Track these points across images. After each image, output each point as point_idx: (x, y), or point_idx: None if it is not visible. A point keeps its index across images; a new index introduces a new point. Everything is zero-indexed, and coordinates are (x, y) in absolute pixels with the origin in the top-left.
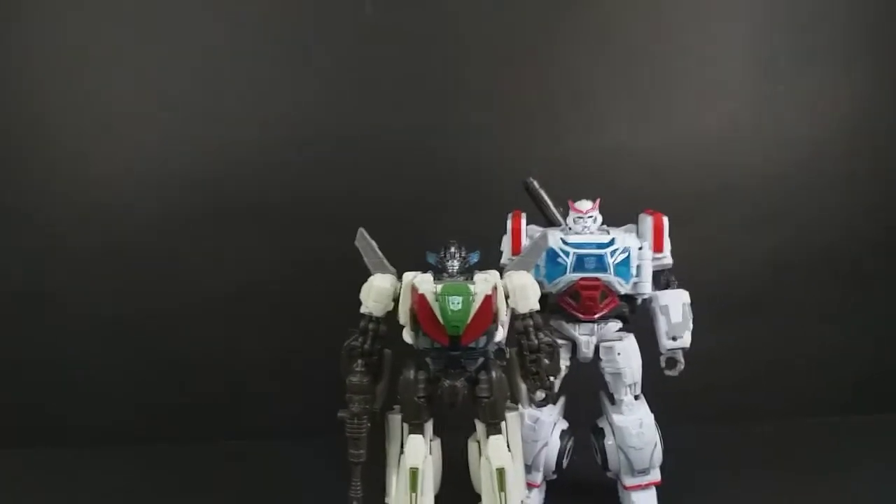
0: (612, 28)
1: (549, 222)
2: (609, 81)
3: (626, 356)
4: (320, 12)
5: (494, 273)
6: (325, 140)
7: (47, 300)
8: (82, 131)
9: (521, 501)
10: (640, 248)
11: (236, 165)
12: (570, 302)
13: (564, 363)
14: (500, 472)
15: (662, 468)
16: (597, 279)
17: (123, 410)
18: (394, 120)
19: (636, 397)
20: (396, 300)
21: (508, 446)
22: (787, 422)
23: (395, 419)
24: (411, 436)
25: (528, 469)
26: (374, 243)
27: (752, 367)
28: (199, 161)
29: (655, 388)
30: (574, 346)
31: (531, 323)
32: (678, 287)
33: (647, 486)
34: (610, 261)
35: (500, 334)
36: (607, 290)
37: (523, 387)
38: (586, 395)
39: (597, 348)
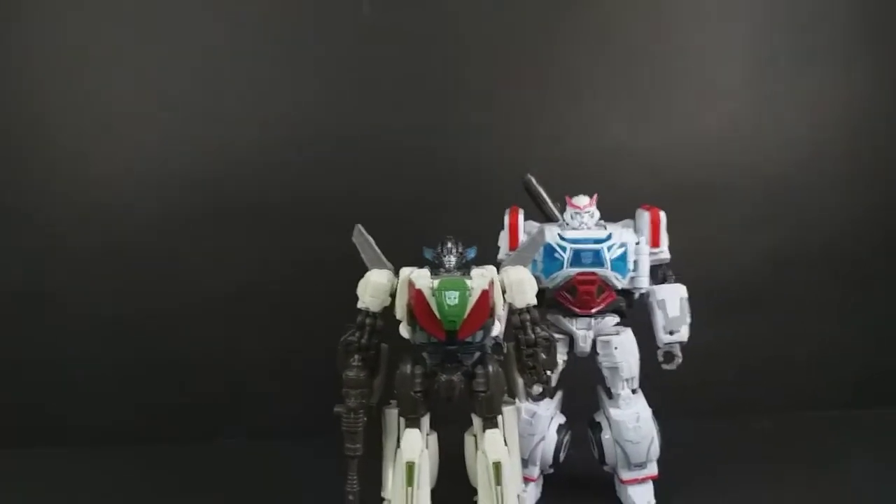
0: (612, 28)
1: (547, 218)
2: (609, 81)
3: (623, 350)
4: (320, 12)
5: (491, 268)
6: (325, 140)
7: (47, 300)
8: (82, 131)
9: (518, 495)
10: (638, 243)
11: (236, 165)
12: (566, 297)
13: (561, 357)
14: (497, 466)
15: (660, 462)
16: (593, 274)
17: (123, 410)
18: (394, 120)
19: (634, 391)
20: (393, 295)
21: (505, 440)
22: (784, 416)
23: (392, 413)
24: (408, 430)
25: (525, 463)
26: (371, 239)
27: (751, 363)
28: (199, 161)
29: (653, 382)
30: (571, 341)
31: (528, 317)
32: (676, 282)
33: (644, 481)
34: (607, 255)
35: (497, 329)
36: (604, 285)
37: (520, 381)
38: (583, 390)
39: (594, 343)
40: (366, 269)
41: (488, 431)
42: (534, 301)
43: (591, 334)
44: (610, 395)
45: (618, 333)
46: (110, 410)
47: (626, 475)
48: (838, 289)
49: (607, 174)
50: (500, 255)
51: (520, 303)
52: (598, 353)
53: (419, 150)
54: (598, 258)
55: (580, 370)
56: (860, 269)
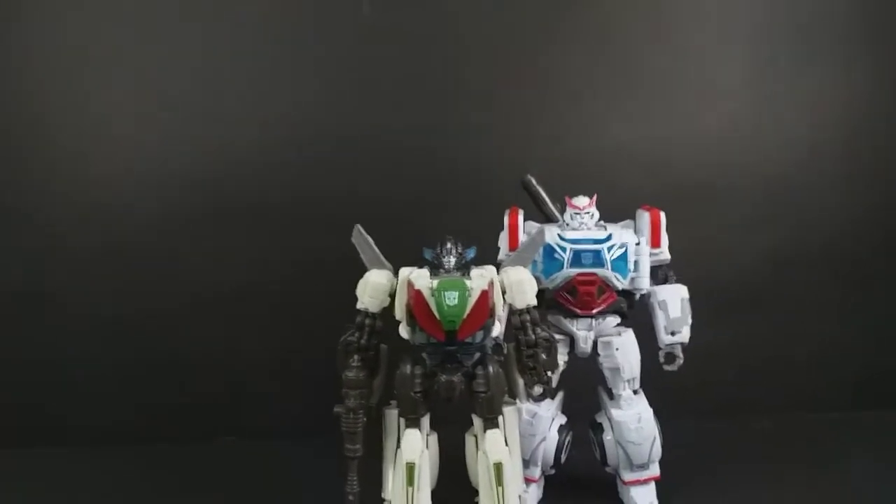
0: (612, 28)
1: (547, 218)
2: (609, 81)
3: (624, 351)
4: (320, 12)
5: (491, 268)
6: (325, 140)
7: (47, 300)
8: (82, 131)
9: (519, 496)
10: (638, 244)
11: (236, 165)
12: (567, 297)
13: (562, 358)
14: (498, 467)
15: (661, 463)
16: (594, 274)
17: (123, 410)
18: (394, 120)
19: (635, 392)
20: (392, 296)
21: (506, 441)
22: (785, 417)
23: (392, 414)
24: (408, 430)
25: (526, 464)
26: (370, 239)
27: (752, 363)
28: (199, 161)
29: (654, 383)
30: (572, 342)
31: (528, 318)
32: (676, 282)
33: (646, 482)
34: (607, 256)
35: (497, 329)
36: (605, 286)
37: (521, 382)
38: (585, 390)
39: (595, 343)
40: (365, 270)
41: (489, 432)
42: (534, 302)
43: (591, 335)
44: (611, 396)
45: (619, 334)
46: (110, 410)
47: (628, 476)
48: (838, 289)
49: (607, 174)
50: (500, 256)
51: (520, 303)
52: (598, 354)
53: (419, 150)
54: (598, 259)
55: (581, 370)
56: (860, 269)
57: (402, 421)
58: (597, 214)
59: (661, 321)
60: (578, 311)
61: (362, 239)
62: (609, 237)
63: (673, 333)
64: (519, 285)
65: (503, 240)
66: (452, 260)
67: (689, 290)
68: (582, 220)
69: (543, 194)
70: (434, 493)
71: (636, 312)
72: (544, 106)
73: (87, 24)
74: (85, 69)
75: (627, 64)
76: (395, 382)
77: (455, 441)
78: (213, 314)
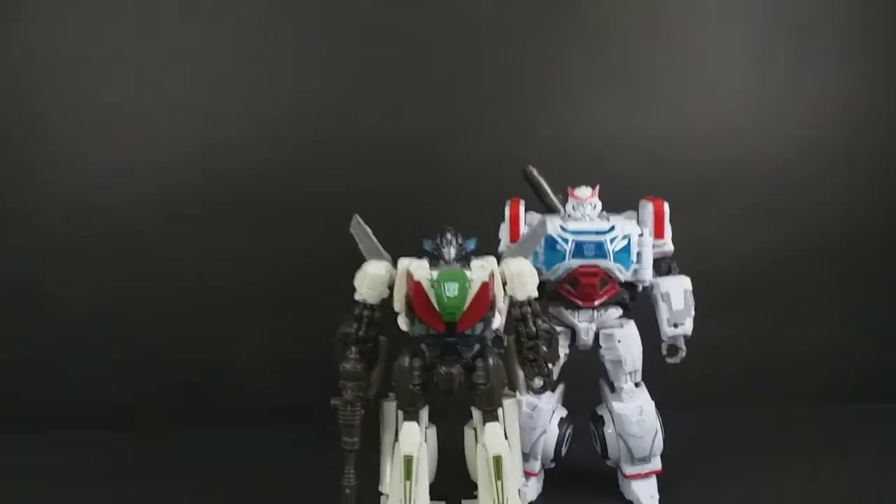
0: (613, 20)
1: (549, 209)
2: (609, 77)
3: (626, 343)
4: (320, 12)
5: (492, 259)
6: (324, 132)
7: (47, 299)
8: (82, 131)
9: (519, 490)
10: (641, 235)
11: (236, 165)
12: (568, 289)
13: (563, 350)
14: (497, 460)
15: (663, 457)
16: (596, 266)
17: (123, 406)
18: (393, 111)
19: (637, 385)
20: (391, 287)
21: (505, 434)
22: (787, 410)
23: (390, 406)
24: (406, 423)
25: (526, 457)
26: (368, 229)
27: (753, 356)
28: (199, 161)
29: (657, 375)
30: (573, 334)
31: (529, 310)
32: (679, 274)
33: (647, 475)
34: (609, 247)
35: (498, 321)
36: (607, 277)
37: (521, 374)
38: (586, 383)
39: (597, 335)
40: (364, 261)
41: (488, 425)
42: (535, 293)
43: (593, 327)
44: (612, 389)
45: (621, 326)
46: (109, 406)
47: (629, 470)
48: (838, 282)
49: (607, 166)
50: (501, 247)
51: (521, 295)
52: (600, 346)
53: (419, 141)
54: (600, 250)
55: (582, 363)
56: (860, 263)
57: (401, 413)
58: (599, 205)
59: (663, 313)
60: (580, 302)
61: (361, 229)
62: (612, 228)
63: (676, 325)
64: (520, 276)
65: (504, 231)
66: (452, 251)
67: (692, 282)
68: (584, 211)
69: (545, 185)
70: (432, 487)
71: (638, 304)
72: (545, 98)
73: (87, 24)
74: (85, 69)
75: (627, 63)
76: (394, 374)
77: (454, 434)
78: (214, 313)
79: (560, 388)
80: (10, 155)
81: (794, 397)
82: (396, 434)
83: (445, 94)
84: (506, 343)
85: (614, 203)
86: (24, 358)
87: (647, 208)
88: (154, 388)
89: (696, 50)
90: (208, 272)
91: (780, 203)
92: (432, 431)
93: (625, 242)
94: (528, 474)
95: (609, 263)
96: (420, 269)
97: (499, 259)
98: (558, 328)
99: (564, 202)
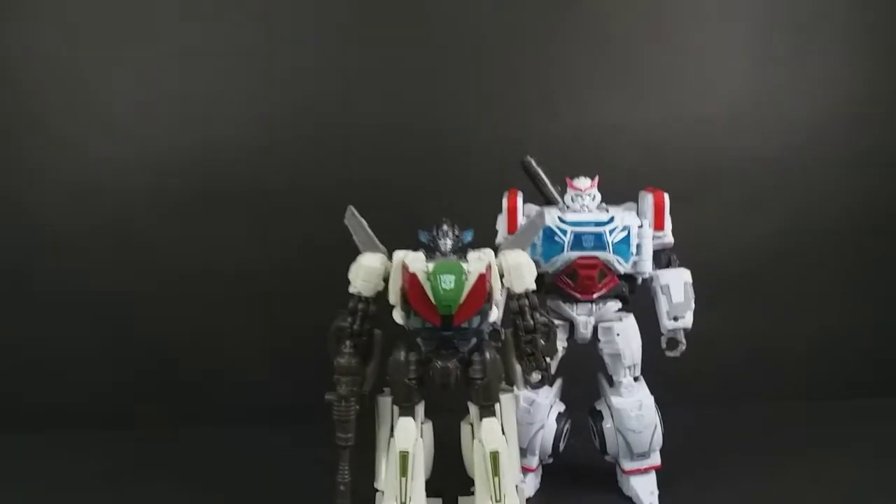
0: (613, 20)
1: (547, 201)
2: (609, 66)
3: (625, 337)
4: (320, 12)
5: (489, 251)
6: (319, 124)
7: (47, 299)
8: (82, 131)
9: (516, 486)
10: (641, 227)
11: (236, 164)
12: (567, 281)
13: (561, 344)
14: (494, 456)
15: (662, 452)
16: (595, 258)
17: (122, 407)
18: (390, 102)
19: (636, 379)
20: (386, 279)
21: (503, 429)
22: (786, 404)
23: (385, 401)
24: (402, 418)
25: (524, 453)
26: (363, 221)
27: (753, 350)
28: (199, 160)
29: (656, 369)
30: (571, 327)
31: (527, 303)
32: (679, 266)
33: (646, 471)
34: (609, 239)
35: (495, 315)
36: (606, 270)
37: (518, 368)
38: (584, 377)
39: (595, 329)
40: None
41: (485, 420)
42: (533, 286)
43: (592, 320)
44: (611, 383)
45: (620, 319)
46: (109, 406)
47: (628, 465)
48: (839, 274)
49: (607, 156)
50: (499, 239)
51: (518, 287)
52: (599, 340)
53: (416, 132)
54: (599, 241)
55: (581, 357)
56: (861, 255)
57: (396, 409)
58: (598, 196)
59: (663, 306)
60: (578, 295)
61: (355, 221)
62: (611, 219)
63: (676, 318)
64: (517, 269)
65: (501, 223)
66: (449, 243)
67: (691, 275)
68: (583, 202)
69: (543, 176)
70: (428, 483)
71: (637, 297)
72: (545, 94)
73: (87, 24)
74: (85, 69)
75: (628, 56)
76: (389, 369)
77: (450, 429)
78: (213, 309)
79: (558, 382)
80: (10, 155)
81: (793, 391)
82: (392, 429)
83: (443, 85)
84: (503, 337)
85: (614, 194)
86: (24, 358)
87: (647, 199)
88: (154, 388)
89: (696, 50)
90: (209, 272)
91: (780, 196)
92: (428, 427)
93: (624, 234)
94: (525, 470)
95: (608, 255)
96: (416, 261)
97: (496, 251)
98: (556, 321)
99: (563, 193)
